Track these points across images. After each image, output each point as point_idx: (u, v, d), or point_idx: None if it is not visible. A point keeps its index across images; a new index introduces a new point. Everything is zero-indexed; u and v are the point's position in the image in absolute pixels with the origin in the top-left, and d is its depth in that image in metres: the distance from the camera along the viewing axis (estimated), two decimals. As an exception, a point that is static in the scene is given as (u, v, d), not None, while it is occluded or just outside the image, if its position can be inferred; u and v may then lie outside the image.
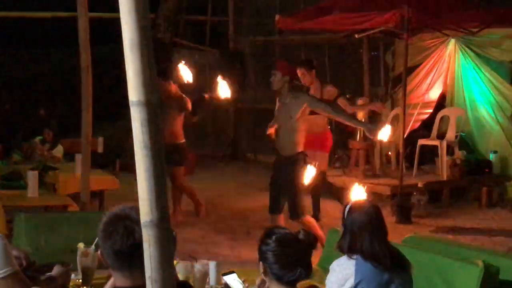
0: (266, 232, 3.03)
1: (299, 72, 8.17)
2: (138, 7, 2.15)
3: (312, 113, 7.97)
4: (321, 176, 8.47)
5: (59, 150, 10.47)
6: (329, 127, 8.77)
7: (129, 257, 2.46)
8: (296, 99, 6.69)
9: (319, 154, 8.31)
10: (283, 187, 6.73)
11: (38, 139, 10.57)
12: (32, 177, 7.03)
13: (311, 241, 2.99)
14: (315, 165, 6.76)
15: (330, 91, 8.40)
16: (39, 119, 11.95)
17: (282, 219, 6.82)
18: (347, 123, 7.05)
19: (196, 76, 9.37)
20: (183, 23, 14.19)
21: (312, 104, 6.68)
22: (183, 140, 8.74)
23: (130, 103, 2.17)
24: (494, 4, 9.87)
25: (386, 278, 3.48)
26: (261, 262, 3.00)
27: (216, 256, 6.57)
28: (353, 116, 7.26)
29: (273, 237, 2.96)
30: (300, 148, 6.70)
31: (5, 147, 10.56)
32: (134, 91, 2.18)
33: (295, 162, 6.65)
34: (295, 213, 6.69)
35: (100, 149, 10.85)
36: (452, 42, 10.88)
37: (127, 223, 2.48)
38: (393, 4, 8.82)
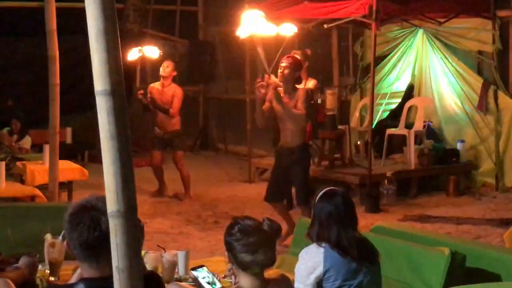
0: (231, 223, 3.11)
1: None
2: (103, -4, 2.14)
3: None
4: None
5: (27, 141, 10.40)
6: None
7: (96, 248, 2.45)
8: (296, 93, 6.97)
9: None
10: (292, 176, 7.03)
11: (5, 130, 10.48)
12: (-2, 168, 6.97)
13: (275, 230, 3.06)
14: None
15: (312, 82, 8.46)
16: (7, 110, 11.83)
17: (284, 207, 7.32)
18: None
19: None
20: (152, 13, 14.10)
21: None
22: (179, 127, 9.27)
23: (96, 93, 2.16)
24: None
25: (354, 266, 3.50)
26: (227, 252, 3.07)
27: (185, 246, 6.57)
28: None
29: (236, 228, 3.03)
30: (306, 138, 7.13)
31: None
32: (99, 81, 2.16)
33: (305, 151, 7.10)
34: (303, 200, 6.98)
35: (68, 140, 10.80)
36: (420, 32, 10.94)
37: (93, 214, 2.47)
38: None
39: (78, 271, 2.68)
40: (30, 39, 12.92)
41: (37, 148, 9.71)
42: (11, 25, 13.47)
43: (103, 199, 2.21)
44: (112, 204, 2.15)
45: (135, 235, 2.18)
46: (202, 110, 14.71)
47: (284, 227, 7.25)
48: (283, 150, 7.10)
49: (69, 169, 8.35)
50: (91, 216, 2.46)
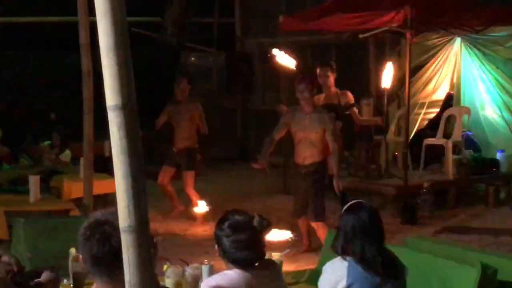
0: (221, 217, 3.19)
1: (324, 72, 8.35)
2: (114, 11, 2.14)
3: None
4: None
5: (66, 155, 10.52)
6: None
7: (106, 263, 2.43)
8: (320, 114, 7.10)
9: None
10: (309, 193, 7.16)
11: (46, 143, 10.62)
12: (33, 182, 7.05)
13: (265, 226, 3.11)
14: None
15: (349, 95, 8.49)
16: (51, 124, 11.99)
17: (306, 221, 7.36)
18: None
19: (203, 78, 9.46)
20: (190, 25, 14.20)
21: (329, 131, 7.07)
22: (195, 146, 8.86)
23: (108, 108, 2.16)
24: (495, 3, 9.81)
25: (377, 281, 3.45)
26: (216, 246, 3.17)
27: (217, 258, 6.55)
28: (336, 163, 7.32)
29: (226, 223, 3.11)
30: (323, 157, 7.22)
31: (13, 152, 10.61)
32: (111, 95, 2.16)
33: (320, 170, 7.21)
34: (319, 216, 7.15)
35: (107, 153, 10.87)
36: (457, 41, 10.82)
37: (104, 229, 2.46)
38: (397, 4, 8.77)
39: (94, 286, 2.68)
40: (76, 53, 13.11)
41: (77, 161, 9.82)
42: (58, 39, 13.71)
43: (118, 214, 2.21)
44: (124, 219, 2.15)
45: (147, 250, 2.17)
46: (240, 122, 14.73)
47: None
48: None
49: (104, 182, 8.39)
50: (102, 230, 2.45)
